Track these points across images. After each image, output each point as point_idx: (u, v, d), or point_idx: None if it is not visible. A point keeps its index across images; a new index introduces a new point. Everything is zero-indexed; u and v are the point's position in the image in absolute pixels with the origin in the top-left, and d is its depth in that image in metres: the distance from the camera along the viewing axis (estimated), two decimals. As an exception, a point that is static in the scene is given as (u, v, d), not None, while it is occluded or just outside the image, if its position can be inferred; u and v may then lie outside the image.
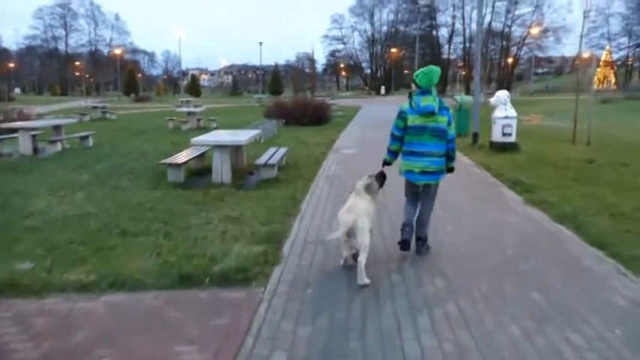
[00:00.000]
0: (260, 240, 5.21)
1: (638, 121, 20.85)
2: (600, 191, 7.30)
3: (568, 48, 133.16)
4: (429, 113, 4.60)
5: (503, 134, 11.22)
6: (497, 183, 8.22)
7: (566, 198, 6.88)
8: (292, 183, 8.38)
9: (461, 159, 10.77)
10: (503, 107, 11.23)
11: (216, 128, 19.35)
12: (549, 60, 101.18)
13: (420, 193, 5.04)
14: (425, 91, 4.65)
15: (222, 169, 8.45)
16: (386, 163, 5.07)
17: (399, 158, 5.00)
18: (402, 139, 4.82)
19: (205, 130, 18.87)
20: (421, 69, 4.80)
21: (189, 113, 19.88)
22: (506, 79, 67.83)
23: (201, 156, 9.66)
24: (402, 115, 4.75)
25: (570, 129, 15.87)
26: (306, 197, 7.40)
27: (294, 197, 7.26)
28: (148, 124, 21.92)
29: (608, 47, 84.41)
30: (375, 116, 26.58)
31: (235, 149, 9.45)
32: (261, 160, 8.78)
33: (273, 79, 74.43)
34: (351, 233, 4.27)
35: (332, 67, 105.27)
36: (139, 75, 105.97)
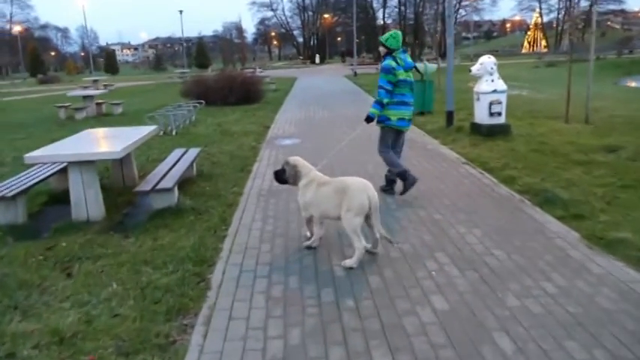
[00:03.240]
0: None
1: (608, 87, 19.08)
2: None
3: (501, 13, 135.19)
4: (410, 68, 5.44)
5: (491, 114, 8.55)
6: (516, 198, 5.48)
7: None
8: (203, 214, 5.26)
9: (439, 150, 7.98)
10: (489, 78, 8.52)
11: (121, 115, 15.61)
12: (478, 24, 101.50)
13: (397, 140, 5.64)
14: (404, 51, 5.41)
15: (86, 200, 5.16)
16: (371, 118, 5.33)
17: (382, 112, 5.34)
18: (392, 92, 5.25)
19: (107, 118, 15.13)
20: (388, 33, 5.41)
21: (85, 97, 15.88)
22: (442, 44, 66.15)
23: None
24: (392, 71, 5.19)
25: (550, 100, 13.67)
26: (223, 250, 4.31)
27: (203, 255, 4.15)
28: (35, 113, 17.68)
29: (538, 10, 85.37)
30: (315, 89, 23.43)
31: (118, 161, 6.14)
32: (151, 180, 5.52)
33: (199, 51, 68.83)
34: (369, 214, 3.82)
35: (262, 36, 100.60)
36: (53, 53, 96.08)
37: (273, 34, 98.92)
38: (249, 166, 7.51)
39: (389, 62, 5.16)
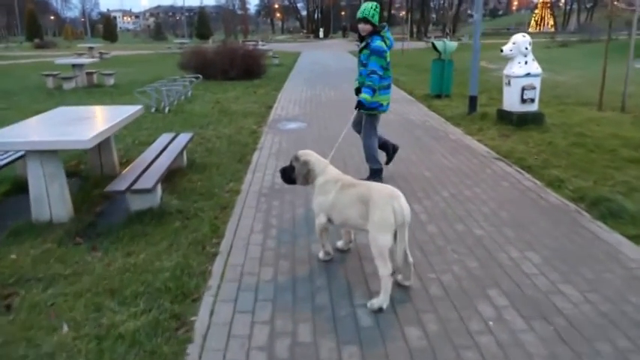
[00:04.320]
0: None
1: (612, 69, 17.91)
2: None
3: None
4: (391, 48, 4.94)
5: (523, 100, 7.53)
6: (571, 209, 4.57)
7: None
8: (191, 219, 4.33)
9: (464, 141, 7.01)
10: (522, 60, 7.47)
11: (113, 86, 14.54)
12: (484, 2, 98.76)
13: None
14: (388, 29, 4.88)
15: (48, 196, 4.22)
16: (364, 106, 4.81)
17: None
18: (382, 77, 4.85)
19: (98, 89, 14.05)
20: (368, 5, 4.74)
21: (74, 66, 14.76)
22: (450, 21, 64.10)
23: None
24: (384, 55, 4.75)
25: (573, 84, 12.61)
26: (212, 275, 3.38)
27: (185, 285, 3.22)
28: (23, 80, 16.54)
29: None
30: (320, 65, 22.25)
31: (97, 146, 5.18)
32: (129, 174, 4.54)
33: (200, 21, 66.77)
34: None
35: (266, 8, 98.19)
36: (52, 17, 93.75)
37: (276, 6, 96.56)
38: (249, 155, 6.54)
39: (380, 44, 4.71)
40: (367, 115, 5.08)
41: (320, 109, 10.15)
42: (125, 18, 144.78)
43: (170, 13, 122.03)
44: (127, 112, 5.36)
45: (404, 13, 76.65)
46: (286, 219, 4.36)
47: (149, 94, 10.31)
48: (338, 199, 3.22)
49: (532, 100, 7.56)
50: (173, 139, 6.01)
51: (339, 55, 30.08)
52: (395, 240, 2.92)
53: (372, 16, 4.72)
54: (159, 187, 4.53)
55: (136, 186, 4.18)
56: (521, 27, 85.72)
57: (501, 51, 7.61)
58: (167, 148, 5.55)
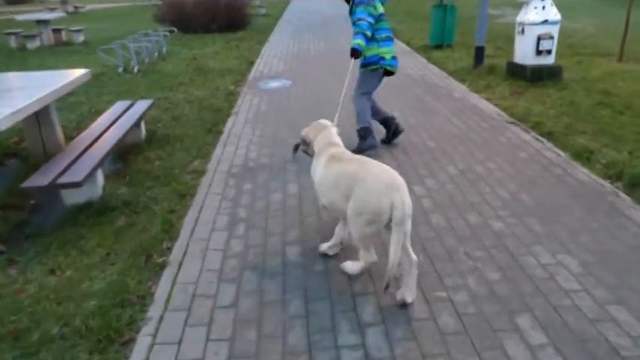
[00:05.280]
0: None
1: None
2: None
3: None
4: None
5: (539, 52, 6.55)
6: (606, 189, 3.76)
7: None
8: (140, 214, 3.50)
9: (471, 101, 6.10)
10: (539, 5, 6.44)
11: (83, 44, 13.32)
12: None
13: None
14: None
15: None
16: (358, 51, 4.18)
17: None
18: (376, 28, 4.35)
19: (65, 48, 12.84)
20: None
21: (39, 22, 13.46)
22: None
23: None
24: (372, 3, 4.27)
25: (588, 32, 11.49)
26: (154, 302, 2.58)
27: (115, 320, 2.42)
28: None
29: None
30: (310, 13, 20.80)
31: (34, 119, 4.29)
32: (58, 163, 3.64)
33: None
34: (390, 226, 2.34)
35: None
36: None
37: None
38: (222, 123, 5.62)
39: None
40: (366, 70, 4.47)
41: (308, 64, 9.12)
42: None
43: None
44: (65, 79, 4.41)
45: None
46: (258, 209, 3.53)
47: (115, 52, 9.22)
48: (323, 176, 2.70)
49: (549, 52, 6.58)
50: (129, 107, 5.08)
51: (331, 2, 28.36)
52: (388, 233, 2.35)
53: None
54: (98, 175, 3.66)
55: (63, 179, 3.30)
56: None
57: (515, -6, 6.56)
58: (119, 120, 4.64)
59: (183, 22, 14.48)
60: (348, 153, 2.77)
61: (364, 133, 4.47)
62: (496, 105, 5.90)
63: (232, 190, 3.85)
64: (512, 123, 5.21)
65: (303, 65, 9.00)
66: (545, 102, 5.84)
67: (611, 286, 2.54)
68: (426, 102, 6.17)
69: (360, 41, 4.18)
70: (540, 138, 4.74)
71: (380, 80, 4.53)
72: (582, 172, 3.94)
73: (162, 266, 2.86)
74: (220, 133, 5.28)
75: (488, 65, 7.69)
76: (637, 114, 5.30)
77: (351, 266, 2.66)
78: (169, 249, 3.04)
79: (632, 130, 4.80)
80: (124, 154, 4.61)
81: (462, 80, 7.23)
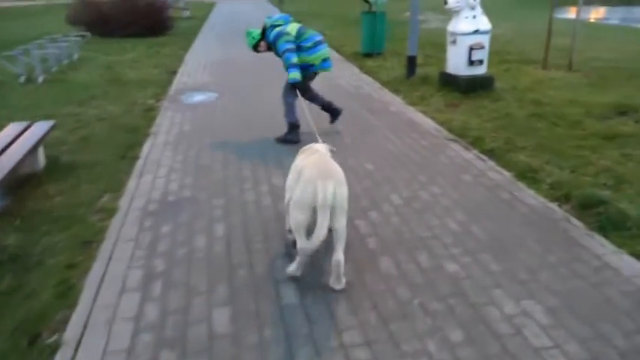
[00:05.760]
0: None
1: (540, 20, 17.53)
2: None
3: None
4: (289, 17, 4.94)
5: (471, 62, 6.43)
6: (558, 215, 3.58)
7: None
8: (32, 271, 2.88)
9: (408, 114, 5.86)
10: (469, 14, 6.33)
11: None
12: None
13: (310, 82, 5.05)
14: (269, 17, 4.95)
15: None
16: (298, 82, 4.66)
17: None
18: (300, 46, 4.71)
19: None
20: (248, 42, 5.03)
21: None
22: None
23: None
24: (284, 32, 4.67)
25: (508, 37, 11.73)
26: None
27: None
28: None
29: None
30: (238, 16, 20.10)
31: None
32: None
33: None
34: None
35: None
36: None
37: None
38: (138, 145, 5.00)
39: (274, 31, 4.75)
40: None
41: (235, 73, 8.58)
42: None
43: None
44: None
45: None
46: (179, 259, 3.01)
47: (17, 59, 8.22)
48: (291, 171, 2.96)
49: (481, 62, 6.49)
50: (24, 130, 4.35)
51: (258, 4, 27.73)
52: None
53: (253, 38, 4.94)
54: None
55: None
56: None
57: (445, 3, 6.40)
58: (10, 147, 3.93)
59: (100, 25, 13.45)
60: (319, 154, 2.89)
61: (291, 126, 4.93)
62: (433, 118, 5.69)
63: (148, 234, 3.29)
64: (451, 140, 4.99)
65: (230, 74, 8.45)
66: (481, 115, 5.70)
67: (584, 339, 2.28)
68: (361, 117, 5.85)
69: (294, 74, 4.63)
70: (482, 156, 4.54)
71: (310, 80, 4.99)
72: (530, 195, 3.74)
73: (54, 349, 2.28)
74: (136, 158, 4.66)
75: (421, 75, 7.52)
76: (570, 125, 5.27)
77: (291, 267, 2.73)
78: (64, 322, 2.46)
79: (569, 143, 4.72)
80: (15, 188, 3.91)
81: (396, 91, 6.99)
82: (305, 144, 3.24)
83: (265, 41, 4.88)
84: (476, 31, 6.33)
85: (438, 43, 9.93)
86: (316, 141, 3.25)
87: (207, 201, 3.76)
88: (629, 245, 3.02)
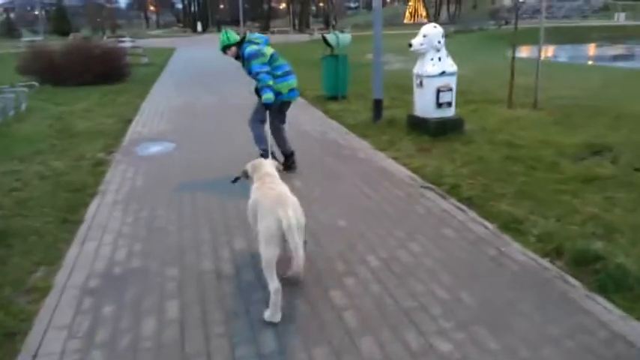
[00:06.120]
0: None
1: (505, 59, 18.03)
2: None
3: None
4: (268, 40, 5.07)
5: (439, 104, 6.26)
6: (552, 274, 3.28)
7: None
8: None
9: (378, 162, 5.57)
10: (435, 56, 6.19)
11: None
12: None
13: (281, 113, 5.21)
14: (251, 33, 5.14)
15: None
16: (270, 105, 4.80)
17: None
18: (270, 73, 4.85)
19: None
20: (221, 36, 5.02)
21: None
22: (334, 12, 63.51)
23: None
24: (260, 52, 4.82)
25: (469, 77, 11.83)
26: None
27: None
28: None
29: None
30: (197, 62, 19.90)
31: None
32: None
33: (57, 16, 59.02)
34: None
35: (138, 2, 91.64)
36: None
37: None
38: (83, 207, 4.47)
39: (250, 48, 4.83)
40: (260, 103, 4.97)
41: (194, 121, 8.19)
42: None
43: (28, 8, 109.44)
44: None
45: (284, 5, 75.67)
46: (122, 351, 2.50)
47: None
48: (249, 205, 3.07)
49: (449, 104, 6.33)
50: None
51: (219, 51, 27.67)
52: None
53: (228, 40, 4.93)
54: None
55: None
56: (396, 18, 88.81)
57: (410, 45, 6.26)
58: None
59: (52, 74, 12.90)
60: (271, 183, 3.00)
61: (264, 154, 4.74)
62: (405, 165, 5.41)
63: (86, 319, 2.77)
64: (426, 188, 4.68)
65: (189, 123, 8.05)
66: (454, 159, 5.46)
67: None
68: (329, 166, 5.52)
69: (268, 95, 4.73)
70: (461, 205, 4.23)
71: (278, 110, 5.05)
72: (518, 250, 3.42)
73: None
74: (79, 222, 4.13)
75: (388, 118, 7.31)
76: (547, 167, 5.07)
77: (267, 313, 2.66)
78: None
79: (550, 188, 4.49)
80: None
81: (364, 136, 6.73)
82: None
83: (238, 51, 4.93)
84: (442, 73, 6.19)
85: (402, 85, 9.87)
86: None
87: (159, 272, 3.27)
88: (637, 310, 2.70)
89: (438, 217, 4.02)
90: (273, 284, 2.61)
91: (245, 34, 5.07)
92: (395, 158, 5.66)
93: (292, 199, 2.80)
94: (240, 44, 4.91)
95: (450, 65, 6.26)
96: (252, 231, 3.00)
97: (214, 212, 4.24)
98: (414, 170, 5.20)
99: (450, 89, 6.26)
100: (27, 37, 37.89)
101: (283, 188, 2.97)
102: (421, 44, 6.15)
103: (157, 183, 5.09)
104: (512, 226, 3.76)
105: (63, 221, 4.14)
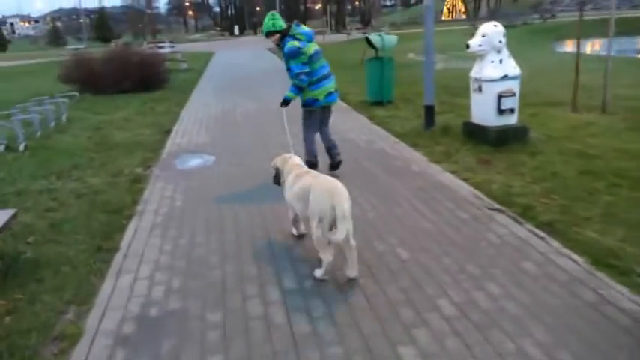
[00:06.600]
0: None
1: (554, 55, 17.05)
2: None
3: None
4: (313, 37, 4.92)
5: (501, 111, 5.67)
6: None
7: None
8: None
9: (434, 175, 5.04)
10: (496, 58, 5.61)
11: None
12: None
13: (325, 118, 5.18)
14: (297, 24, 4.90)
15: None
16: (287, 101, 4.93)
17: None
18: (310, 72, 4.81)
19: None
20: (267, 18, 4.90)
21: None
22: (367, 11, 62.85)
23: None
24: (299, 51, 4.72)
25: (526, 77, 11.04)
26: None
27: None
28: None
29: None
30: (235, 67, 19.75)
31: None
32: None
33: (99, 23, 60.62)
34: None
35: (177, 7, 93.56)
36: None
37: (187, 3, 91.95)
38: (120, 230, 4.16)
39: (291, 45, 4.73)
40: (305, 110, 5.05)
41: (234, 131, 7.86)
42: (24, 23, 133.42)
43: (74, 16, 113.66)
44: None
45: (320, 5, 75.47)
46: None
47: (-4, 127, 7.51)
48: (293, 191, 3.34)
49: (512, 111, 5.74)
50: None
51: (257, 54, 27.59)
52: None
53: (273, 26, 4.81)
54: None
55: None
56: (435, 15, 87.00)
57: (467, 47, 5.70)
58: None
59: (92, 82, 12.92)
60: (307, 171, 3.46)
61: (309, 165, 4.46)
62: (465, 180, 4.87)
63: (117, 379, 2.40)
64: (495, 210, 4.13)
65: (228, 133, 7.72)
66: (522, 174, 4.88)
67: None
68: (380, 181, 5.04)
69: (291, 94, 4.84)
70: (540, 233, 3.67)
71: (321, 114, 5.06)
72: (623, 295, 2.84)
73: None
74: (115, 250, 3.81)
75: (440, 125, 6.76)
76: (636, 184, 4.42)
77: (317, 272, 3.11)
78: None
79: (641, 210, 3.86)
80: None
81: (415, 146, 6.21)
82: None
83: (280, 40, 4.84)
84: (504, 77, 5.61)
85: (450, 86, 9.28)
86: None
87: (200, 316, 2.89)
88: None
89: (514, 247, 3.48)
90: (326, 257, 3.01)
91: (294, 23, 4.92)
92: (453, 172, 5.12)
93: (346, 191, 3.04)
94: (284, 33, 4.81)
95: (512, 67, 5.68)
96: (295, 215, 3.55)
97: (258, 237, 3.83)
98: (477, 187, 4.66)
99: (513, 94, 5.67)
100: (71, 45, 38.98)
101: (330, 178, 3.28)
102: (480, 45, 5.59)
103: (196, 202, 4.74)
104: (610, 264, 3.17)
105: (98, 249, 3.82)
